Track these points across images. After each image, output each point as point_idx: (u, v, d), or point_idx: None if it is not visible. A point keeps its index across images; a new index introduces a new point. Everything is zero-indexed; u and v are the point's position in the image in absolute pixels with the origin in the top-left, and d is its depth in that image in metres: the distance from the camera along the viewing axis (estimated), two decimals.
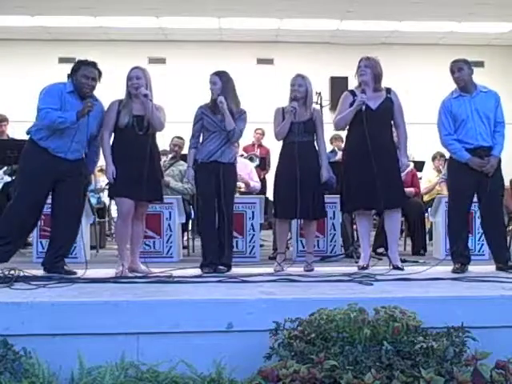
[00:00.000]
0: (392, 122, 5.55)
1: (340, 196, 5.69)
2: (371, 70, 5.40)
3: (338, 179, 5.81)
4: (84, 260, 5.22)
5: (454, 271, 5.14)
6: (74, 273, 5.04)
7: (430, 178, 8.39)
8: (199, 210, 5.56)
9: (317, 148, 5.59)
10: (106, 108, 5.26)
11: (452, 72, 5.34)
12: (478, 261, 5.51)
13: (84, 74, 5.07)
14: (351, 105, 5.43)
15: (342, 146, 8.17)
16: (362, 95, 5.34)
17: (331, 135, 9.36)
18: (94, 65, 5.14)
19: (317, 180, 5.50)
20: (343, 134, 7.18)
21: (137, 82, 5.17)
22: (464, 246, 5.35)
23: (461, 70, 5.28)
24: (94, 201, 8.08)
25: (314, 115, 5.55)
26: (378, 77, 5.45)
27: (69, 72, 5.18)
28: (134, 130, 5.15)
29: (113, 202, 7.42)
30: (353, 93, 5.50)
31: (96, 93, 5.20)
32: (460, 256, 5.28)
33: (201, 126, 5.43)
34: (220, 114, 5.32)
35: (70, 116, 4.97)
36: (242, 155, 8.58)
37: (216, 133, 5.37)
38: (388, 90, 5.50)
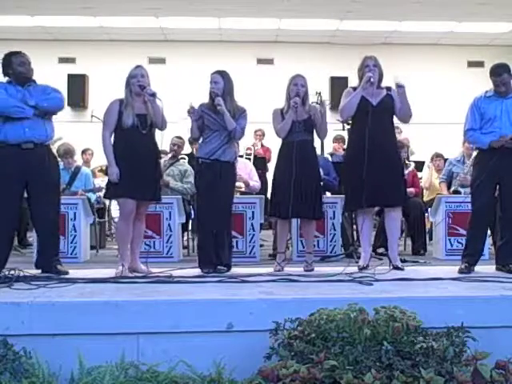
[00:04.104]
0: (394, 122, 5.55)
1: (345, 197, 5.69)
2: (378, 70, 5.44)
3: (340, 180, 5.81)
4: (83, 260, 5.21)
5: (459, 271, 5.11)
6: (66, 272, 5.04)
7: (427, 178, 8.39)
8: (198, 208, 5.56)
9: (315, 147, 5.60)
10: (105, 107, 5.26)
11: (496, 74, 5.22)
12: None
13: (19, 63, 5.14)
14: None
15: (344, 146, 8.20)
16: (368, 74, 5.34)
17: (333, 136, 9.35)
18: (20, 53, 5.20)
19: (315, 180, 5.51)
20: (345, 134, 7.19)
21: (142, 80, 5.16)
22: (480, 241, 5.33)
23: (503, 75, 5.20)
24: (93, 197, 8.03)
25: (311, 112, 5.55)
26: (381, 76, 5.50)
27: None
28: (138, 130, 5.12)
29: (113, 201, 7.41)
30: (355, 89, 5.51)
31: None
32: (469, 255, 5.26)
33: (202, 122, 5.42)
34: (219, 114, 5.32)
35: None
36: (241, 155, 8.58)
37: (218, 131, 5.36)
38: (388, 89, 5.51)
